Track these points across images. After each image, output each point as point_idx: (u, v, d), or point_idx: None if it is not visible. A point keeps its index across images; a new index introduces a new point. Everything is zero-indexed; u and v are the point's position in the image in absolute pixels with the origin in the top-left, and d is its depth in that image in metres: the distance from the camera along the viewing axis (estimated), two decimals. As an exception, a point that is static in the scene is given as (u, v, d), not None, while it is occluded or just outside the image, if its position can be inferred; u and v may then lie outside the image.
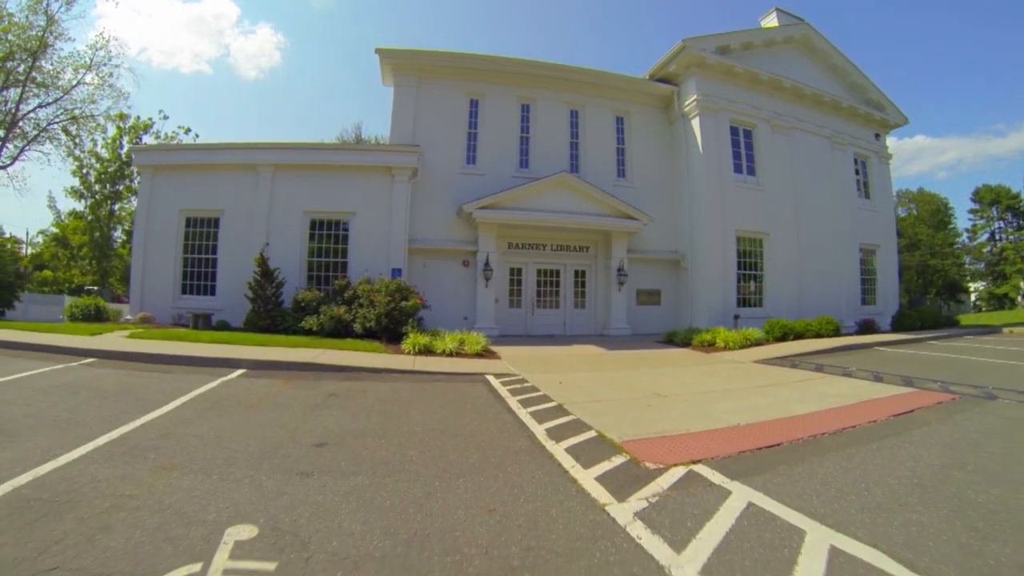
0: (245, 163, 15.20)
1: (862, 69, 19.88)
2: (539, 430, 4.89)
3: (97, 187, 40.39)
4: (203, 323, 14.15)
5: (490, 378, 7.87)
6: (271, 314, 13.19)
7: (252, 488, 3.45)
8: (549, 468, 3.85)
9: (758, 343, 12.60)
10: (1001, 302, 49.97)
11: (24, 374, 7.41)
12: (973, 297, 56.67)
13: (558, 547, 2.61)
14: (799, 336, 13.52)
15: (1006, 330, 18.99)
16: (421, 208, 15.32)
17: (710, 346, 12.24)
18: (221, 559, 2.53)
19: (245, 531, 2.82)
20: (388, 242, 14.65)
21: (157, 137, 41.44)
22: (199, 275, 15.51)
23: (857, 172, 19.97)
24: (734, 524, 2.85)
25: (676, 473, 3.64)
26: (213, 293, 15.29)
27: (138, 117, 39.90)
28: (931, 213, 47.51)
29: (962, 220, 60.90)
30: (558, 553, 2.55)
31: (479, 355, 9.80)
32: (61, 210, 44.31)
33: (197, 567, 2.46)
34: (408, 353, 9.77)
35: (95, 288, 39.14)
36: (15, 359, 8.71)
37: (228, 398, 6.33)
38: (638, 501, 3.17)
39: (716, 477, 3.57)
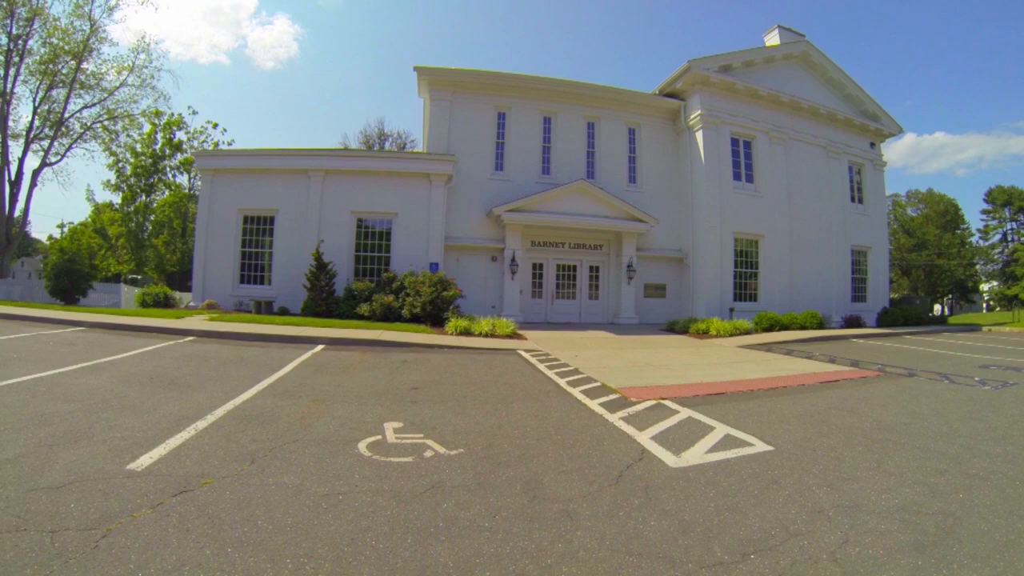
0: (298, 168, 17.40)
1: (859, 82, 21.54)
2: (561, 382, 7.05)
3: (133, 180, 42.85)
4: (265, 309, 16.41)
5: (521, 352, 10.03)
6: (326, 301, 15.38)
7: (383, 408, 5.56)
8: (569, 399, 6.00)
9: (747, 332, 14.54)
10: (1012, 303, 50.85)
11: (149, 348, 9.36)
12: (986, 298, 57.45)
13: (574, 428, 4.75)
14: (784, 327, 15.44)
15: (985, 328, 20.64)
16: (455, 209, 17.44)
17: (704, 334, 14.23)
18: (389, 434, 4.62)
19: (395, 424, 4.92)
20: (427, 239, 16.80)
21: (187, 132, 43.93)
22: (255, 267, 17.78)
23: (852, 179, 21.66)
24: (675, 423, 4.95)
25: (648, 403, 5.74)
26: (269, 283, 17.55)
27: (171, 114, 42.07)
28: (939, 214, 48.59)
29: (976, 220, 61.07)
30: (575, 430, 4.68)
31: (509, 336, 11.93)
32: (99, 202, 47.14)
33: (378, 436, 4.54)
34: (451, 334, 11.91)
35: (139, 277, 41.68)
36: (129, 337, 10.69)
37: (326, 364, 8.45)
38: (622, 413, 5.28)
39: (673, 405, 5.65)
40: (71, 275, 19.99)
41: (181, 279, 42.27)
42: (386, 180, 17.32)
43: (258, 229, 17.84)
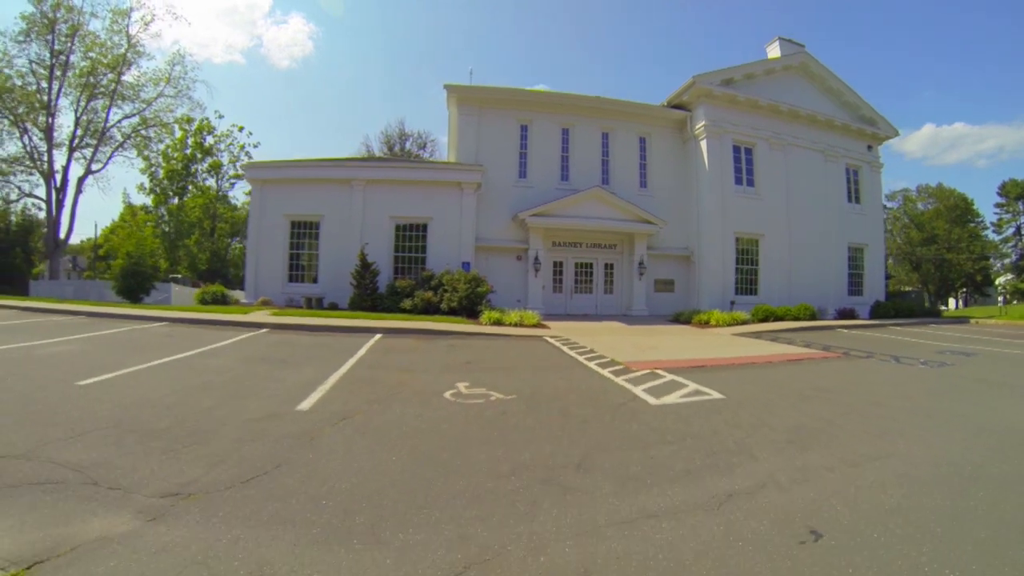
0: (340, 178, 19.51)
1: (857, 89, 23.13)
2: (580, 358, 9.12)
3: (166, 182, 45.36)
4: (316, 304, 18.59)
5: (546, 338, 12.08)
6: (371, 297, 17.49)
7: (451, 375, 7.62)
8: (586, 369, 8.07)
9: (744, 323, 16.39)
10: (1024, 296, 51.48)
11: (239, 337, 10.80)
12: (1000, 291, 57.83)
13: (589, 385, 6.82)
14: (779, 319, 17.25)
15: (974, 321, 22.13)
16: (483, 213, 19.50)
17: (705, 324, 16.13)
18: (462, 388, 6.68)
19: (464, 383, 6.97)
20: (459, 241, 18.89)
21: (215, 136, 46.41)
22: (302, 267, 19.95)
23: (849, 180, 23.27)
24: (661, 382, 6.98)
25: (645, 371, 7.77)
26: (315, 281, 19.68)
27: (202, 119, 44.31)
28: (949, 208, 49.45)
29: (991, 214, 61.12)
30: (589, 386, 6.75)
31: (535, 326, 13.98)
32: (135, 205, 50.00)
33: (455, 390, 6.60)
34: (485, 324, 13.99)
35: (178, 276, 44.27)
36: (213, 330, 12.06)
37: (391, 348, 10.50)
38: (624, 377, 7.34)
39: (663, 373, 7.68)
40: (137, 276, 22.06)
41: (211, 277, 44.90)
42: (421, 188, 19.41)
43: (305, 233, 19.97)
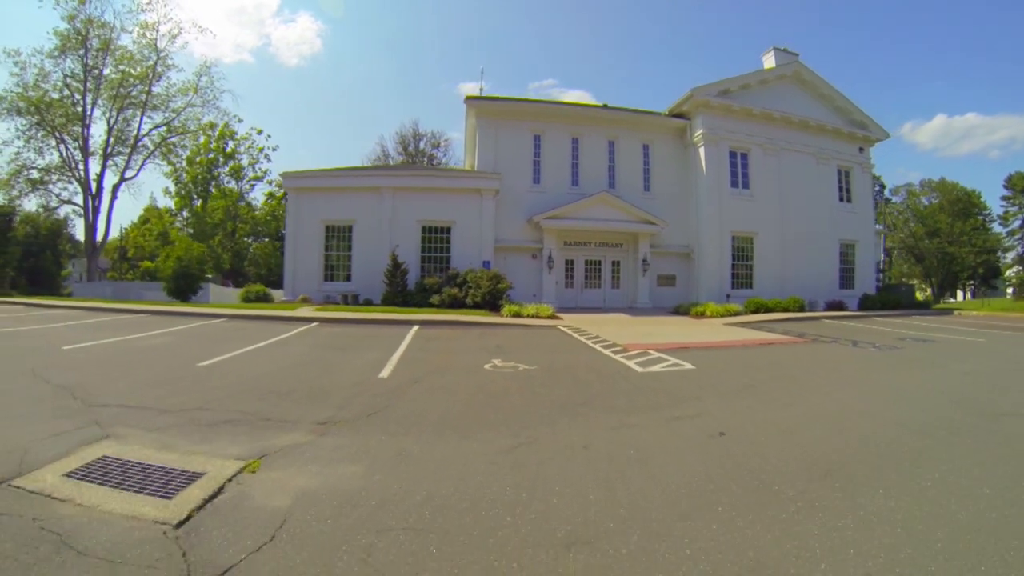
0: (371, 186, 21.63)
1: (847, 95, 24.76)
2: (588, 342, 11.22)
3: (191, 186, 47.71)
4: (352, 301, 20.74)
5: (560, 327, 14.18)
6: (402, 294, 19.61)
7: (486, 355, 9.70)
8: (592, 350, 10.16)
9: (736, 314, 18.31)
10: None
11: (298, 330, 12.62)
12: (1007, 283, 58.52)
13: (594, 361, 8.91)
14: (769, 310, 19.12)
15: (957, 313, 23.76)
16: (501, 216, 21.56)
17: (701, 315, 18.07)
18: (497, 363, 8.76)
19: (497, 360, 9.06)
20: (480, 242, 20.98)
21: (235, 140, 48.69)
22: (336, 267, 22.06)
23: (840, 181, 24.98)
24: (650, 358, 9.06)
25: (638, 351, 9.83)
26: (349, 279, 21.81)
27: (224, 125, 46.43)
28: (951, 202, 50.46)
29: (998, 207, 61.55)
30: (594, 361, 8.87)
31: (549, 318, 16.03)
32: (161, 208, 52.49)
33: (492, 364, 8.69)
34: (506, 316, 16.07)
35: (209, 276, 46.61)
36: (271, 324, 13.75)
37: (431, 336, 12.55)
38: (622, 355, 9.42)
39: (652, 352, 9.72)
40: (187, 278, 24.34)
41: (233, 276, 47.22)
42: (445, 194, 21.51)
43: (338, 236, 22.08)
